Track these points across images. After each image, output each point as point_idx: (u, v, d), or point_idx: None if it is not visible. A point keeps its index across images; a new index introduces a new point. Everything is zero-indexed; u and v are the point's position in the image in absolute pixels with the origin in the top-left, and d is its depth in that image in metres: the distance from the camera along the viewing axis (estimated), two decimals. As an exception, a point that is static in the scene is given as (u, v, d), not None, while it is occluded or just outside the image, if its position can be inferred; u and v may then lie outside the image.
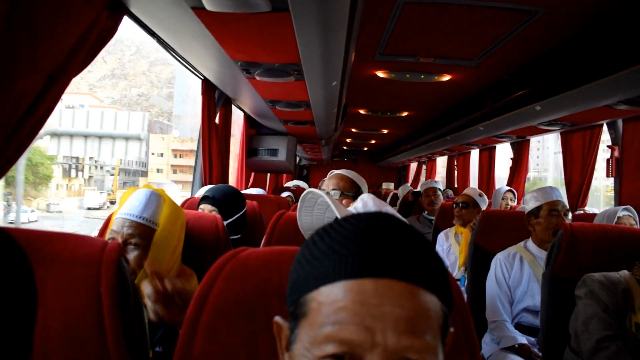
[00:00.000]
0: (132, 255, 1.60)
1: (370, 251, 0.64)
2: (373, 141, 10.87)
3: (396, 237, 0.66)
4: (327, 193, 2.06)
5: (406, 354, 0.61)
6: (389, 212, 1.41)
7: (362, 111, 6.45)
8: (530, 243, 2.69)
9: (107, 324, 1.06)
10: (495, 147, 6.58)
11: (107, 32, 1.86)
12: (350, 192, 2.10)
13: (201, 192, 3.48)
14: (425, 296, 0.63)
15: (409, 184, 10.37)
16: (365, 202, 1.43)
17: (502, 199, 4.77)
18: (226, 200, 2.50)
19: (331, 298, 0.63)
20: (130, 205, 1.67)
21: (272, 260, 0.98)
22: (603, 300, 1.77)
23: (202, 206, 2.50)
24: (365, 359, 0.61)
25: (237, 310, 0.93)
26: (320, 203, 1.44)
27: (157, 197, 1.71)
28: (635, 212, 3.02)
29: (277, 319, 0.74)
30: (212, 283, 0.95)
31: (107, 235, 1.66)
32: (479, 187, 6.79)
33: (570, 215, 2.65)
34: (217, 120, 3.92)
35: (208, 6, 1.66)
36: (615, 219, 2.93)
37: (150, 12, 2.06)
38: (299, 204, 1.50)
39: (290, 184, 7.30)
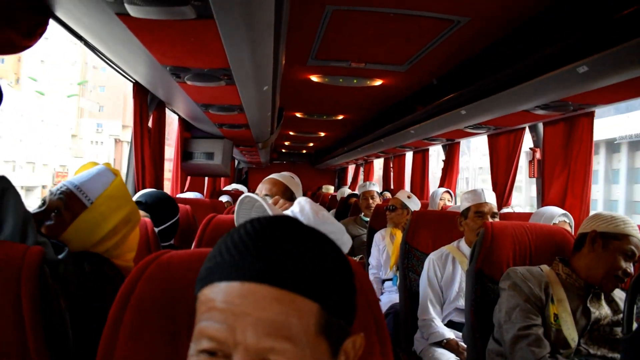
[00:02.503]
0: (48, 222, 1.49)
1: (243, 255, 0.67)
2: (311, 144, 10.93)
3: (277, 242, 0.68)
4: (266, 197, 2.08)
5: (267, 356, 0.64)
6: (324, 216, 1.46)
7: (298, 114, 6.49)
8: (462, 243, 2.78)
9: (28, 330, 1.05)
10: (428, 150, 6.77)
11: (33, 35, 1.83)
12: (283, 197, 2.11)
13: (135, 197, 3.42)
14: (296, 301, 0.65)
15: (347, 187, 10.51)
16: (302, 206, 1.46)
17: (440, 199, 4.89)
18: (158, 206, 2.47)
19: (207, 298, 0.68)
20: (77, 175, 1.56)
21: (194, 262, 0.99)
22: (525, 291, 1.89)
23: None
24: (232, 357, 0.65)
25: (159, 310, 0.95)
26: (258, 206, 1.46)
27: (105, 175, 1.58)
28: (571, 218, 3.16)
29: None
30: (135, 284, 0.96)
31: (43, 194, 1.54)
32: (412, 188, 6.98)
33: (497, 218, 2.75)
34: (149, 124, 3.85)
35: (132, 13, 1.64)
36: (552, 224, 3.00)
37: (75, 16, 2.02)
38: (236, 206, 1.52)
39: (229, 187, 7.25)
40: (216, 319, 0.66)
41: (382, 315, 0.99)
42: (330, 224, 1.45)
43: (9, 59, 44.58)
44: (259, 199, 1.45)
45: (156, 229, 2.35)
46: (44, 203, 1.52)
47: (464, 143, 6.02)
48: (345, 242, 1.49)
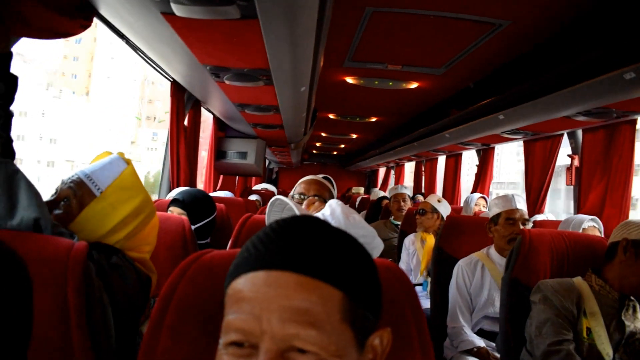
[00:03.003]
0: (57, 212, 1.46)
1: (268, 247, 0.69)
2: (342, 145, 10.93)
3: (301, 233, 0.70)
4: (301, 196, 2.09)
5: (293, 342, 0.65)
6: (355, 219, 1.46)
7: (331, 116, 6.49)
8: (492, 250, 2.73)
9: (72, 324, 1.06)
10: (461, 154, 6.70)
11: (77, 30, 1.87)
12: (320, 198, 2.11)
13: (170, 195, 3.47)
14: (320, 288, 0.67)
15: (377, 189, 10.47)
16: (333, 209, 1.47)
17: (475, 205, 4.83)
18: (195, 204, 2.49)
19: (235, 290, 0.70)
20: (91, 164, 1.54)
21: None
22: (556, 305, 1.84)
23: (171, 208, 2.49)
24: (259, 346, 0.66)
25: (201, 311, 0.95)
26: (288, 209, 1.47)
27: (117, 165, 1.55)
28: (600, 223, 3.09)
29: None
30: (176, 285, 0.97)
31: (57, 184, 1.52)
32: (444, 193, 6.91)
33: (530, 225, 2.70)
34: (185, 123, 3.90)
35: (178, 12, 1.67)
36: (581, 230, 2.96)
37: (120, 14, 2.06)
38: (267, 207, 1.53)
39: (258, 187, 7.30)
40: (243, 310, 0.67)
41: (424, 319, 0.98)
42: (362, 228, 1.45)
43: (82, 74, 55.19)
44: (288, 202, 1.46)
45: (194, 227, 2.40)
46: (56, 192, 1.50)
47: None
48: (376, 246, 1.49)
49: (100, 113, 50.78)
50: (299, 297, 0.65)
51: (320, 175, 2.23)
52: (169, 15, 1.73)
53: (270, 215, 1.53)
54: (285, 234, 0.70)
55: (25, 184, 1.25)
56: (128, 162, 1.59)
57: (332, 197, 2.12)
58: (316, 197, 2.02)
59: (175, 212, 2.45)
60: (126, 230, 1.51)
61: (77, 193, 1.47)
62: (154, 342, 0.93)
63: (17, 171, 1.26)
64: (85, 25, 1.92)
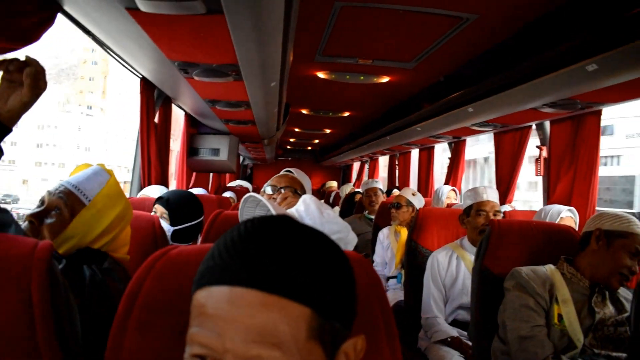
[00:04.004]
0: (48, 221, 1.52)
1: (233, 258, 0.66)
2: (316, 141, 10.93)
3: (268, 245, 0.67)
4: (274, 188, 2.09)
5: None
6: (330, 215, 1.47)
7: (304, 111, 6.49)
8: (465, 241, 2.78)
9: (37, 324, 1.05)
10: (433, 147, 6.77)
11: (41, 28, 1.84)
12: (295, 186, 2.12)
13: (141, 193, 3.43)
14: (287, 307, 0.64)
15: (351, 183, 10.50)
16: (307, 205, 1.48)
17: (446, 197, 4.87)
18: (179, 204, 2.45)
19: (199, 302, 0.68)
20: (73, 175, 1.62)
21: (202, 257, 1.00)
22: (529, 292, 1.89)
23: (155, 206, 2.47)
24: None
25: (168, 306, 0.94)
26: (262, 205, 1.48)
27: (100, 175, 1.64)
28: (576, 213, 3.15)
29: None
30: (143, 280, 0.96)
31: (42, 195, 1.59)
32: (418, 186, 6.97)
33: (500, 216, 2.74)
34: (156, 120, 3.86)
35: (142, 7, 1.64)
36: (558, 219, 3.02)
37: (84, 11, 2.03)
38: (240, 204, 1.54)
39: (233, 184, 7.26)
40: (206, 326, 0.65)
41: (390, 310, 1.00)
42: (335, 223, 1.46)
43: (98, 91, 70.63)
44: (262, 199, 1.46)
45: (173, 228, 2.39)
46: (42, 203, 1.57)
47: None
48: (350, 241, 1.50)
49: (114, 124, 63.51)
50: (264, 317, 0.63)
51: (297, 171, 2.24)
52: (133, 10, 1.70)
53: (243, 212, 1.54)
54: (251, 245, 0.66)
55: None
56: (110, 172, 1.68)
57: (304, 190, 2.13)
58: (288, 188, 2.05)
59: (158, 210, 2.43)
60: (112, 235, 1.63)
61: (68, 202, 1.55)
62: (121, 339, 0.92)
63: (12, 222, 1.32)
64: (49, 23, 1.89)
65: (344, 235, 1.48)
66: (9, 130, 1.33)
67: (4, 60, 1.30)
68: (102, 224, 1.60)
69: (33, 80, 1.29)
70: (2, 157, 1.43)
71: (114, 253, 1.64)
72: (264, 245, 0.66)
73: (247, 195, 1.52)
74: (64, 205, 1.54)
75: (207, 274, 0.67)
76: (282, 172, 2.21)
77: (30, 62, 1.30)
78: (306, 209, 1.46)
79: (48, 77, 1.37)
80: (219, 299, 0.65)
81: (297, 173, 2.20)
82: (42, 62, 1.33)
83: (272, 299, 0.63)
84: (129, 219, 1.72)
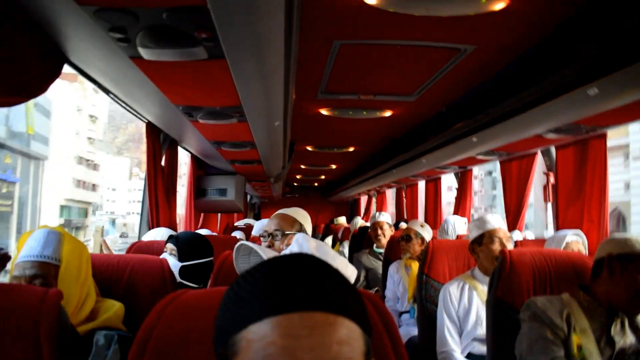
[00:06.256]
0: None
1: (293, 287, 0.67)
2: (323, 177, 10.96)
3: (314, 272, 0.70)
4: (270, 234, 2.10)
5: None
6: (325, 251, 1.47)
7: (309, 148, 6.52)
8: (477, 271, 2.74)
9: None
10: (440, 178, 6.76)
11: (48, 79, 1.88)
12: (292, 230, 2.12)
13: (148, 235, 3.43)
14: (348, 325, 0.66)
15: (360, 217, 10.46)
16: (300, 244, 1.48)
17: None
18: (187, 242, 2.49)
19: (260, 334, 0.64)
20: (28, 248, 1.61)
21: (214, 300, 0.98)
22: (546, 322, 1.84)
23: (166, 245, 2.53)
24: None
25: (180, 352, 0.93)
26: (255, 252, 1.49)
27: (55, 235, 1.65)
28: (584, 237, 3.09)
29: None
30: (154, 325, 0.95)
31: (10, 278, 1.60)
32: (426, 217, 6.93)
33: (511, 244, 2.71)
34: (162, 163, 3.89)
35: (145, 55, 1.68)
36: (564, 244, 2.97)
37: (89, 60, 2.08)
38: (234, 253, 1.55)
39: (240, 222, 7.25)
40: (280, 354, 0.63)
41: (402, 347, 0.98)
42: (332, 258, 1.45)
43: None
44: (253, 246, 1.48)
45: (181, 263, 2.42)
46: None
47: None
48: (349, 276, 1.49)
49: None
50: (338, 336, 0.64)
51: (292, 208, 2.25)
52: (137, 59, 1.74)
53: (239, 260, 1.55)
54: (305, 272, 0.69)
55: None
56: (59, 229, 1.71)
57: (300, 227, 2.13)
58: (277, 232, 2.08)
59: (168, 248, 2.49)
60: (89, 278, 1.71)
61: (45, 272, 1.57)
62: None
63: None
64: (56, 74, 1.93)
65: (343, 270, 1.47)
66: None
67: None
68: (80, 273, 1.65)
69: None
70: None
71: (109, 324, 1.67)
72: (316, 272, 0.70)
73: (239, 243, 1.53)
74: (43, 275, 1.56)
75: (266, 306, 0.66)
76: (275, 213, 2.23)
77: None
78: (299, 248, 1.47)
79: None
80: (290, 326, 0.64)
81: (289, 210, 2.22)
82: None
83: (339, 320, 0.65)
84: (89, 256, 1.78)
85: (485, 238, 2.68)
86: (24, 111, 34.26)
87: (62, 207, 46.43)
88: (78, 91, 48.22)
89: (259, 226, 4.47)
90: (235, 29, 1.50)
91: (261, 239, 2.16)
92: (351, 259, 5.39)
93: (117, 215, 58.93)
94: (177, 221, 4.26)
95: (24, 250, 1.60)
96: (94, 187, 53.80)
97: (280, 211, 2.22)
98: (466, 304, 2.66)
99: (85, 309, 1.64)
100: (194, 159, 5.01)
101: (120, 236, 48.43)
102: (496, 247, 2.63)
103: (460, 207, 5.87)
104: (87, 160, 51.38)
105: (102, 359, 1.53)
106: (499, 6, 2.03)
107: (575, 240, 3.03)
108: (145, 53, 1.67)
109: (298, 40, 2.07)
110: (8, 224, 35.24)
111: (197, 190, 5.21)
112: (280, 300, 0.66)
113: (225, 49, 1.60)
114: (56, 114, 42.99)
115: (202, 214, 5.71)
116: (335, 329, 0.65)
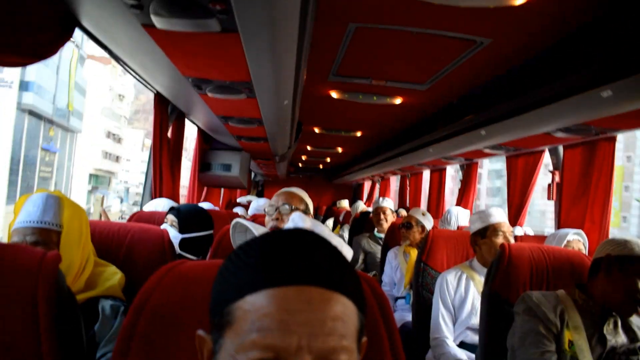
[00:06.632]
0: None
1: (291, 260, 0.67)
2: (328, 159, 10.94)
3: (312, 247, 0.70)
4: (277, 209, 2.11)
5: (331, 356, 0.64)
6: (322, 230, 1.48)
7: (316, 129, 6.50)
8: (475, 262, 2.75)
9: (42, 334, 1.05)
10: (445, 169, 6.74)
11: (58, 42, 1.87)
12: (301, 206, 2.14)
13: (149, 205, 3.44)
14: (344, 302, 0.67)
15: (361, 202, 10.47)
16: (295, 223, 1.50)
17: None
18: (187, 214, 2.53)
19: (256, 305, 0.66)
20: (26, 213, 1.57)
21: (212, 272, 0.99)
22: (540, 317, 1.85)
23: (167, 217, 2.55)
24: None
25: (175, 320, 0.94)
26: (250, 231, 1.51)
27: (55, 199, 1.62)
28: (585, 237, 3.08)
29: (200, 332, 0.76)
30: (150, 293, 0.96)
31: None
32: (428, 207, 6.93)
33: (512, 238, 2.72)
34: (169, 134, 3.89)
35: (158, 24, 1.67)
36: (565, 242, 2.97)
37: (101, 26, 2.07)
38: (230, 230, 1.57)
39: (243, 199, 7.27)
40: (275, 327, 0.64)
41: (397, 331, 0.98)
42: (327, 237, 1.46)
43: None
44: (248, 225, 1.51)
45: (181, 235, 2.45)
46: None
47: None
48: (345, 254, 1.50)
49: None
50: (333, 311, 0.65)
51: (296, 188, 2.26)
52: (149, 27, 1.73)
53: (235, 237, 1.57)
54: (305, 246, 0.70)
55: None
56: (57, 193, 1.68)
57: (306, 206, 2.15)
58: (285, 206, 2.09)
59: (169, 219, 2.51)
60: (88, 242, 1.70)
61: (46, 238, 1.55)
62: (126, 350, 0.92)
63: None
64: (66, 37, 1.92)
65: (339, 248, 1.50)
66: None
67: None
68: (81, 237, 1.64)
69: None
70: None
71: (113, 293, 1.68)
72: (317, 247, 0.70)
73: (235, 221, 1.54)
74: (44, 242, 1.54)
75: (264, 277, 0.67)
76: (288, 190, 2.23)
77: None
78: (295, 226, 1.48)
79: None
80: (286, 298, 0.65)
81: (295, 189, 2.24)
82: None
83: (335, 296, 0.67)
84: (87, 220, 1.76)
85: (489, 231, 2.69)
86: (67, 90, 37.76)
87: (91, 175, 50.43)
88: (111, 73, 51.88)
89: (254, 206, 4.48)
90: (250, 3, 1.49)
91: (267, 215, 2.16)
92: (351, 242, 5.42)
93: (131, 185, 60.14)
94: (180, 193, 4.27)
95: (22, 215, 1.56)
96: (117, 159, 57.69)
97: (285, 189, 2.23)
98: (462, 293, 2.68)
99: (85, 273, 1.65)
100: (201, 132, 5.01)
101: (134, 204, 50.31)
102: (500, 240, 2.64)
103: (464, 198, 5.86)
104: (114, 134, 55.58)
105: (110, 328, 1.55)
106: (519, 1, 2.00)
107: (577, 240, 3.03)
108: (158, 22, 1.66)
109: (313, 20, 2.05)
110: (48, 187, 38.19)
111: (202, 164, 5.22)
112: (277, 272, 0.66)
113: (239, 23, 1.58)
114: (90, 92, 47.02)
115: (205, 188, 5.73)
116: (331, 305, 0.66)
